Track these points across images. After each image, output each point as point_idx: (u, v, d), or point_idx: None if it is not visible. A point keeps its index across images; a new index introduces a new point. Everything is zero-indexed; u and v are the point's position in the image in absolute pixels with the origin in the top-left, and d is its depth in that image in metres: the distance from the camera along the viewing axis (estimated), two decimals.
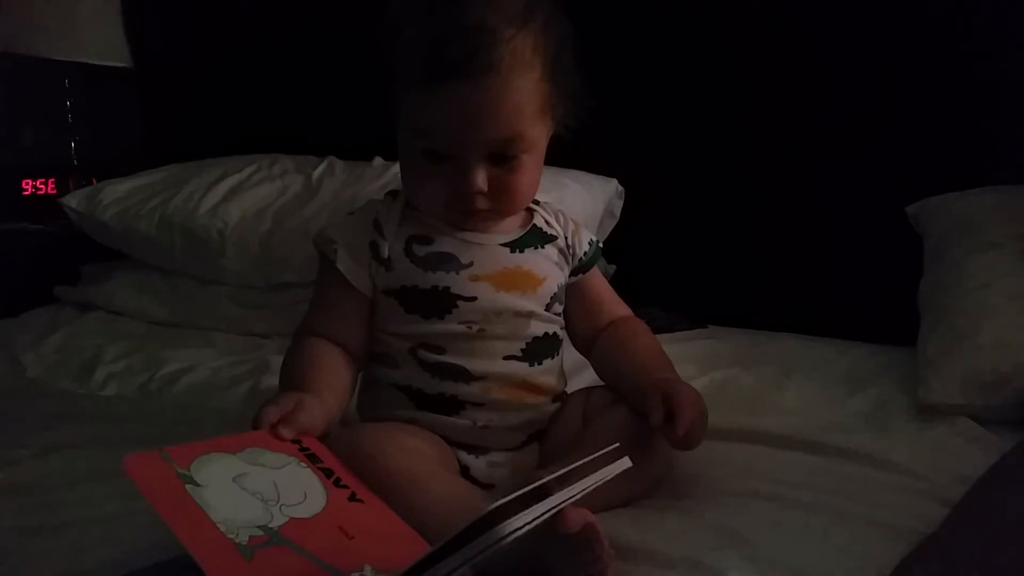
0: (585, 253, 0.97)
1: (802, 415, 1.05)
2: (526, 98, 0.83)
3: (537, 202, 0.97)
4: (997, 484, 0.68)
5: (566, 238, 0.96)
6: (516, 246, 0.92)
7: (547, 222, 0.96)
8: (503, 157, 0.85)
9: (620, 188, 1.55)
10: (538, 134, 0.87)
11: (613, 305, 0.99)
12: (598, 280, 1.00)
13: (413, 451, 0.79)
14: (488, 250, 0.90)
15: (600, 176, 1.53)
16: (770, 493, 0.84)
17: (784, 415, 1.05)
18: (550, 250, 0.94)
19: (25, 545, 0.75)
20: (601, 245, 1.02)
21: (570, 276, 0.96)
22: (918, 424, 1.04)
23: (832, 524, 0.79)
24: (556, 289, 0.93)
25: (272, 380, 1.19)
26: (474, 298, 0.87)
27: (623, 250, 1.51)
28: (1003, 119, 1.36)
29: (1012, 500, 0.63)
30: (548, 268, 0.93)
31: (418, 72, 0.81)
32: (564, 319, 0.96)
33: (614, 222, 1.55)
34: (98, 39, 1.85)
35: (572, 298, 0.97)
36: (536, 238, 0.94)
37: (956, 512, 0.67)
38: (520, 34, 0.81)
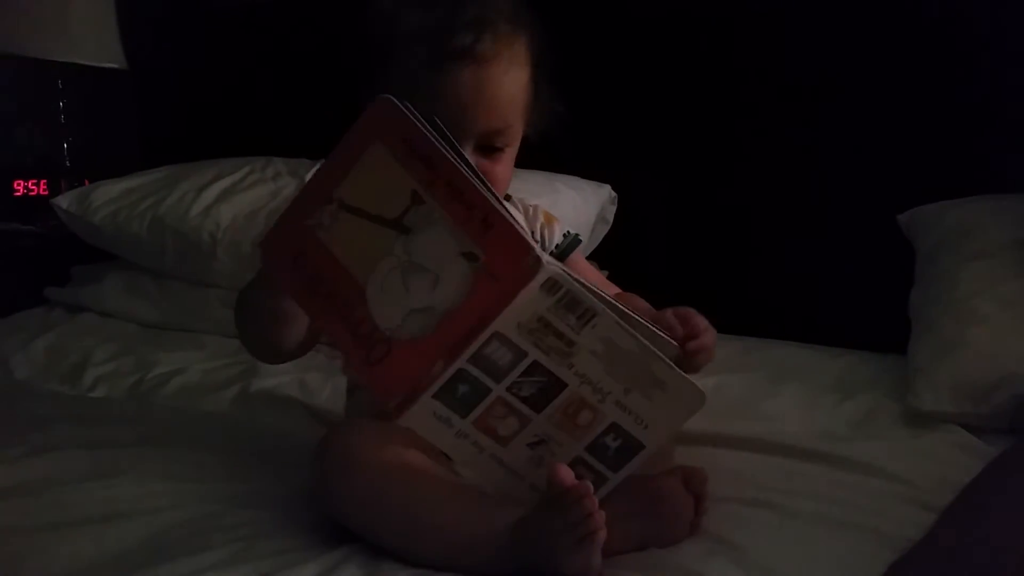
0: (557, 246, 0.98)
1: (792, 422, 1.05)
2: (519, 92, 0.87)
3: (509, 196, 0.97)
4: (984, 490, 0.68)
5: (532, 233, 0.96)
6: None
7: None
8: (490, 148, 0.86)
9: (613, 194, 1.55)
10: (520, 130, 0.89)
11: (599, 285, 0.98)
12: (580, 266, 1.00)
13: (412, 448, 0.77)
14: None
15: (593, 182, 1.53)
16: (760, 499, 0.85)
17: (774, 422, 1.05)
18: None
19: (13, 547, 0.74)
20: (580, 238, 1.02)
21: None
22: (908, 432, 1.04)
23: (822, 531, 0.79)
24: None
25: (262, 383, 1.19)
26: None
27: (615, 256, 1.51)
28: (995, 128, 1.37)
29: (998, 505, 0.63)
30: None
31: (422, 55, 0.83)
32: None
33: (607, 228, 1.55)
34: (92, 40, 1.84)
35: None
36: None
37: (943, 518, 0.67)
38: (514, 33, 0.85)
